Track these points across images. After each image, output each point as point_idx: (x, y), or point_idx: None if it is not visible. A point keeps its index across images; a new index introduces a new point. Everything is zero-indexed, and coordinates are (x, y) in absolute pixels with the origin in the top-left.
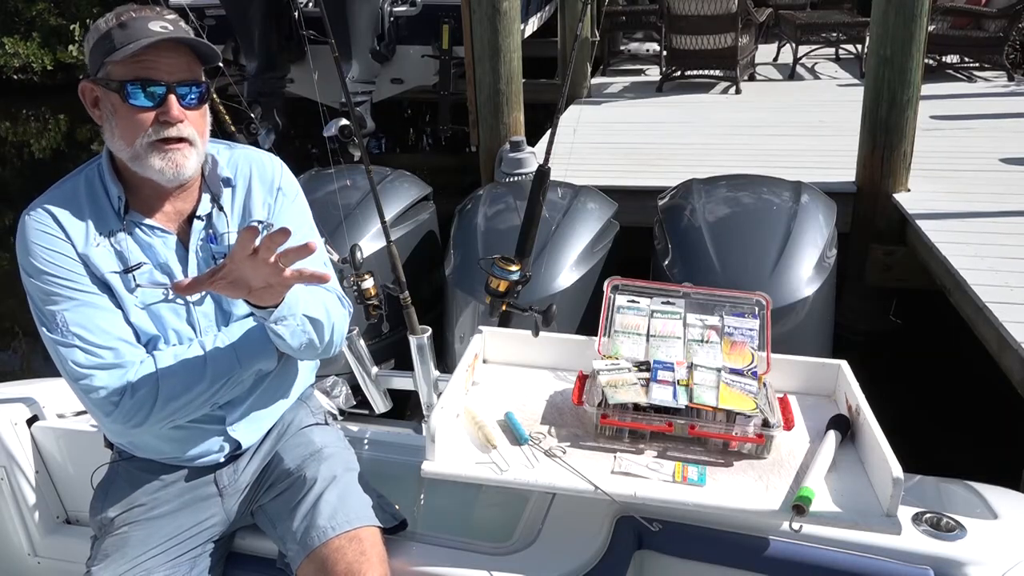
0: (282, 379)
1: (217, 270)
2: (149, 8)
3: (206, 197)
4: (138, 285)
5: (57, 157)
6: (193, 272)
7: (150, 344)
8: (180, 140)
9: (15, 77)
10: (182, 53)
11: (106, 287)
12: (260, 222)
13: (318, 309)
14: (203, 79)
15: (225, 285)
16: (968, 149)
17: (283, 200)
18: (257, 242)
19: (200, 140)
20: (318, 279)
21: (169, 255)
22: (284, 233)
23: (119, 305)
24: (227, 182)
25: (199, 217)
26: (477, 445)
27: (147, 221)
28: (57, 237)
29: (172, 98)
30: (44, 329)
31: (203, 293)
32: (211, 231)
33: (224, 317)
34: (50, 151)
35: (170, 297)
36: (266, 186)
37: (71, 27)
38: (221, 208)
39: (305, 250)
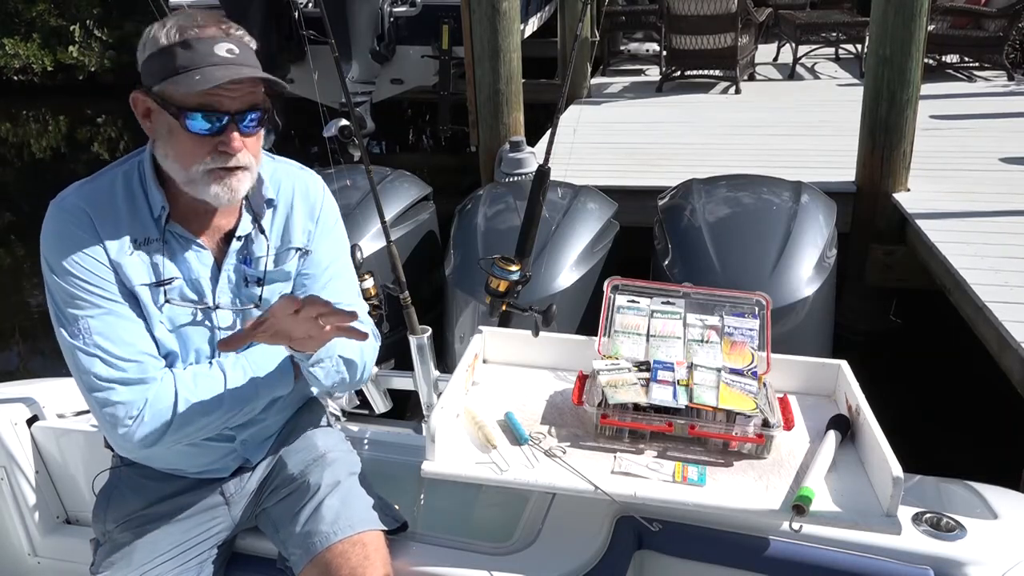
0: (293, 396)
1: (259, 323)
2: (212, 21)
3: (247, 217)
4: (167, 301)
5: (57, 158)
6: (223, 292)
7: (167, 360)
8: (237, 167)
9: (15, 78)
10: (247, 80)
11: (132, 297)
12: (299, 249)
13: (353, 350)
14: (263, 102)
15: (267, 337)
16: (968, 149)
17: (323, 228)
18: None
19: (255, 163)
20: (358, 335)
21: (202, 271)
22: (326, 305)
23: (143, 317)
24: (270, 203)
25: (238, 237)
26: (477, 445)
27: (186, 234)
28: (90, 239)
29: (233, 130)
30: (63, 331)
31: (234, 313)
32: (246, 253)
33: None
34: (50, 152)
35: (199, 319)
36: (307, 211)
37: (71, 28)
38: (262, 230)
39: (350, 316)
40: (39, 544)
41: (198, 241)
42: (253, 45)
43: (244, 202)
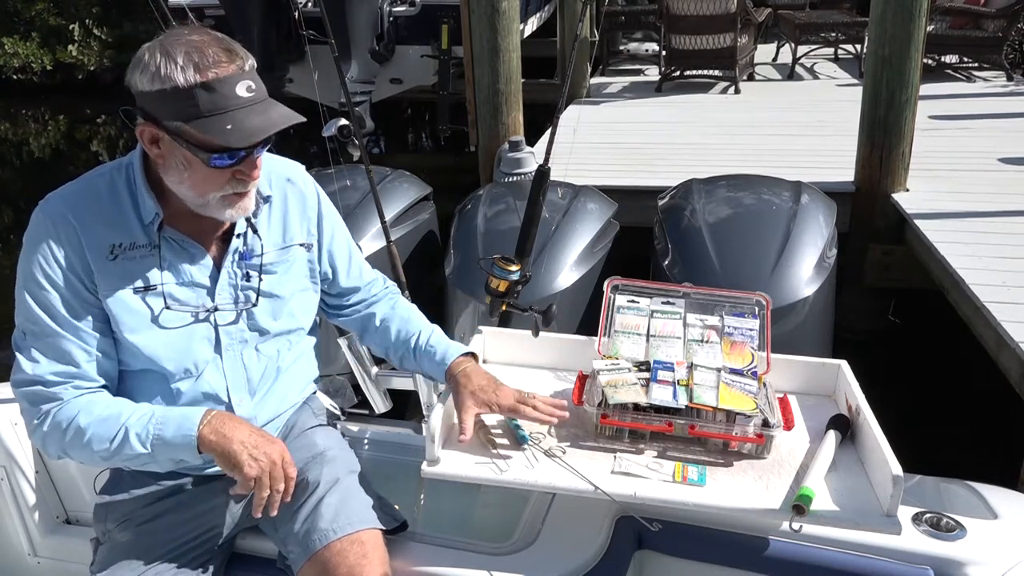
0: (289, 387)
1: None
2: (223, 53)
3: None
4: (167, 307)
5: (56, 157)
6: (223, 290)
7: (156, 371)
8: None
9: (14, 77)
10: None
11: (108, 304)
12: (303, 244)
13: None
14: None
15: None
16: (966, 149)
17: (328, 218)
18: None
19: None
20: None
21: (199, 274)
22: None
23: (112, 326)
24: (266, 199)
25: (238, 235)
26: (477, 445)
27: (179, 237)
28: (66, 247)
29: (252, 159)
30: (17, 332)
31: (238, 311)
32: (245, 249)
33: (260, 333)
34: (49, 151)
35: (200, 319)
36: (302, 205)
37: (70, 27)
38: (255, 229)
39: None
40: (39, 544)
41: (196, 244)
42: (254, 64)
43: None
